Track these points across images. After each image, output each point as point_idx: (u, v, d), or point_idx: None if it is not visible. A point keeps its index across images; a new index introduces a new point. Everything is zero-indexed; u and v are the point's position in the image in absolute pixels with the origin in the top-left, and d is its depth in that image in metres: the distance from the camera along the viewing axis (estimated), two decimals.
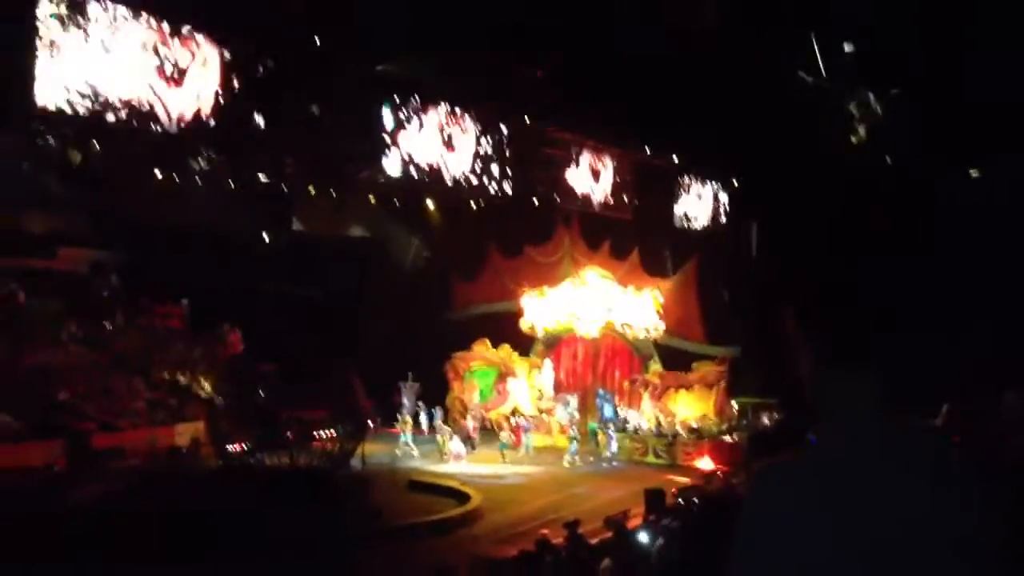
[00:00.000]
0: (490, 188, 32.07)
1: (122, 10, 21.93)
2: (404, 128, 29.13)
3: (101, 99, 21.49)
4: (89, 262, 36.57)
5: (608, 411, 33.83)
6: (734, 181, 42.22)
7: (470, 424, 32.86)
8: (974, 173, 30.68)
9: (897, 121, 27.25)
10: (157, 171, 27.96)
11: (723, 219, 43.93)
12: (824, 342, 2.69)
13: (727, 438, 31.40)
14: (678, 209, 41.07)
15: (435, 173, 30.23)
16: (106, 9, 21.55)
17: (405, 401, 33.49)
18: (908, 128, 27.85)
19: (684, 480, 25.11)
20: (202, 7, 23.43)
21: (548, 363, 36.67)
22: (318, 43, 25.41)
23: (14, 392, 27.66)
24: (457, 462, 29.23)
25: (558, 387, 36.36)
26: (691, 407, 33.31)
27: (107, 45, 21.53)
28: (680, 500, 18.05)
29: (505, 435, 31.60)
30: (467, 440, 31.35)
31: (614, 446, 31.17)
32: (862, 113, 26.80)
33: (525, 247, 38.43)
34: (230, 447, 23.40)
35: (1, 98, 20.66)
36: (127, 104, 22.04)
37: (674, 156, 38.17)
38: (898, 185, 31.69)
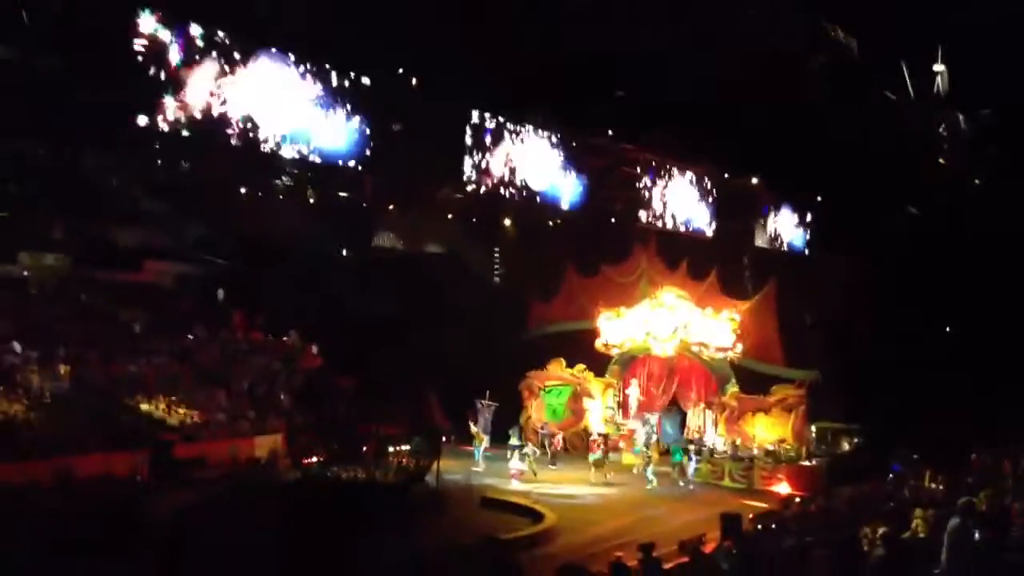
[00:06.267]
0: (566, 206, 32.04)
1: None
2: (483, 147, 29.28)
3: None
4: (174, 275, 37.44)
5: (669, 429, 33.92)
6: (819, 203, 41.53)
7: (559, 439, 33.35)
8: None
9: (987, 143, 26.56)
10: (242, 187, 28.66)
11: (808, 242, 43.29)
12: None
13: (805, 463, 30.82)
14: (761, 230, 40.57)
15: (514, 191, 30.33)
16: None
17: (480, 420, 33.58)
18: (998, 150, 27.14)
19: (761, 505, 24.69)
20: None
21: (635, 383, 36.37)
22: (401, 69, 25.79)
23: (101, 402, 28.36)
24: (519, 479, 28.97)
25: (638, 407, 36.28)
26: (769, 431, 32.74)
27: None
28: (757, 525, 17.74)
29: (598, 453, 31.78)
30: (554, 456, 31.87)
31: (692, 469, 30.75)
32: (951, 134, 26.19)
33: (602, 266, 38.30)
34: (307, 460, 23.61)
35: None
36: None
37: (754, 179, 37.75)
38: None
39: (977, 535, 10.12)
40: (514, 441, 31.82)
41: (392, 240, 38.10)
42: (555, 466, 31.75)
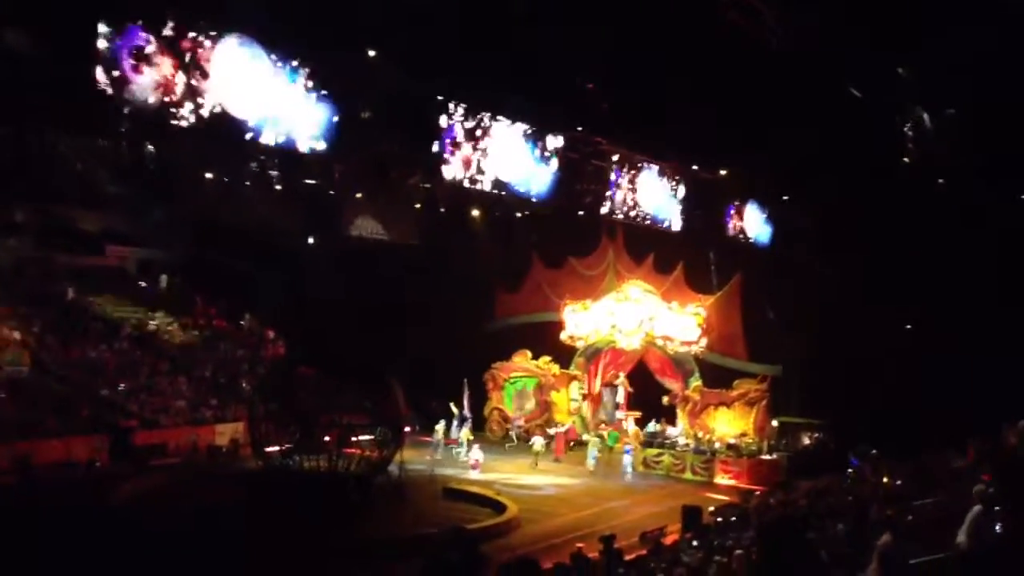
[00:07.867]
0: (534, 198, 31.99)
1: None
2: (453, 136, 29.14)
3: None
4: (137, 260, 37.12)
5: (606, 399, 36.15)
6: (785, 199, 41.74)
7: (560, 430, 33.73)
8: None
9: (951, 142, 26.74)
10: (208, 172, 28.39)
11: (771, 236, 43.50)
12: None
13: (766, 457, 31.07)
14: (726, 224, 40.69)
15: (482, 181, 30.21)
16: None
17: (465, 404, 33.66)
18: (962, 150, 27.33)
19: (722, 498, 24.87)
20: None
21: (623, 377, 36.42)
22: (370, 53, 25.50)
23: (60, 387, 28.07)
24: (475, 470, 29.04)
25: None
26: (731, 424, 32.99)
27: None
28: (717, 518, 17.88)
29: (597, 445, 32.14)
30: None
31: (628, 462, 30.67)
32: (915, 133, 26.33)
33: (568, 258, 38.38)
34: (269, 449, 23.46)
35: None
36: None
37: (723, 171, 37.85)
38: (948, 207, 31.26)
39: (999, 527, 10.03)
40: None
41: (359, 228, 37.92)
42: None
